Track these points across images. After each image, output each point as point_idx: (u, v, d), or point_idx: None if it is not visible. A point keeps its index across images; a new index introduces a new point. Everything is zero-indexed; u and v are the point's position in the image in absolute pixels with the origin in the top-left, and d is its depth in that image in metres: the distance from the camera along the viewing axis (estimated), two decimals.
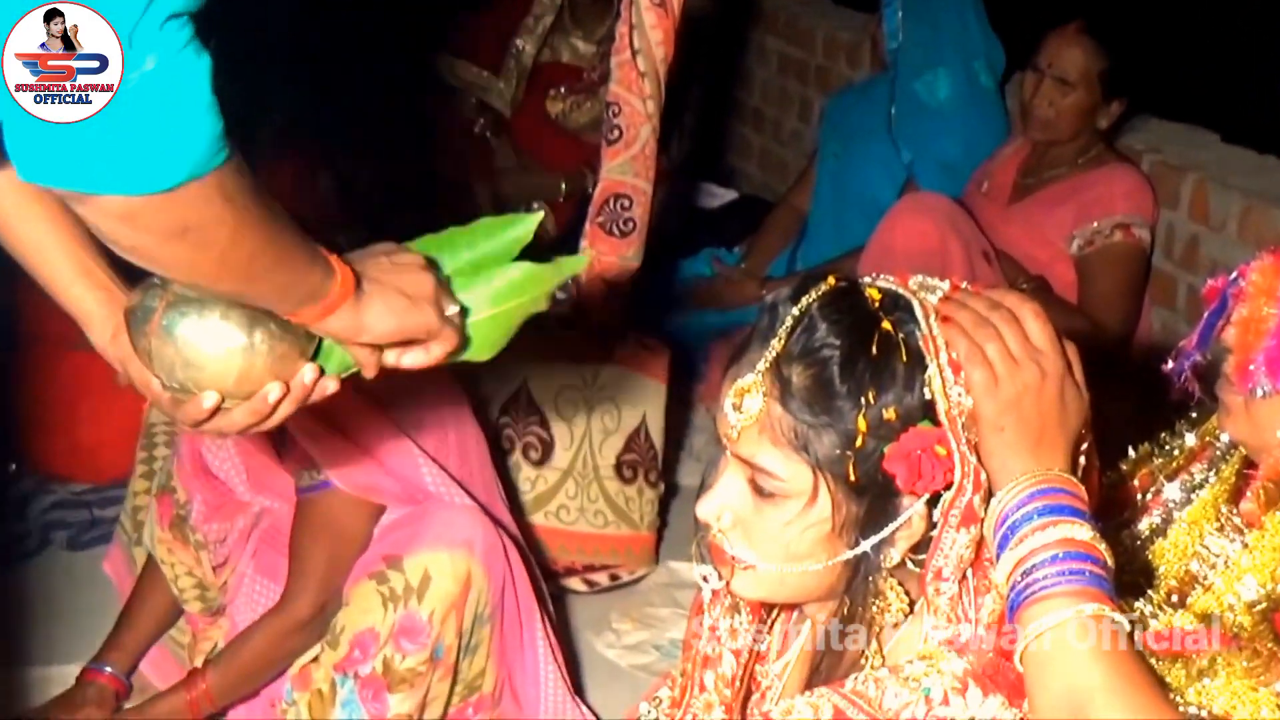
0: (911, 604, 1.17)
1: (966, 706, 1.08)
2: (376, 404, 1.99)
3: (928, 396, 1.11)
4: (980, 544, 1.14)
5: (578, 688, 2.34)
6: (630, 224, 2.72)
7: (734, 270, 3.72)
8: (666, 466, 2.95)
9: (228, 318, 1.16)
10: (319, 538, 2.02)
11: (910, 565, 1.17)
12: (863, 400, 1.10)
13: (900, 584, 1.17)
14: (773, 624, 1.35)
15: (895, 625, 1.18)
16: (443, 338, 1.23)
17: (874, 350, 1.11)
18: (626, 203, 2.71)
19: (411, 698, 1.98)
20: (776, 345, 1.13)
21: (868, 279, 1.19)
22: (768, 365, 1.13)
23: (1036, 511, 1.08)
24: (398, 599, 1.96)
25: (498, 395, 2.76)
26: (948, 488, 1.11)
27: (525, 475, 2.75)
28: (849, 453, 1.11)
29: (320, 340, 1.22)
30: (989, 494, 1.12)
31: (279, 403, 1.20)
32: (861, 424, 1.10)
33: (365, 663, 1.96)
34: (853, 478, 1.11)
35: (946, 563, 1.12)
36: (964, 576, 1.14)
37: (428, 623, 1.96)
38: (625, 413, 2.78)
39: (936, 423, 1.11)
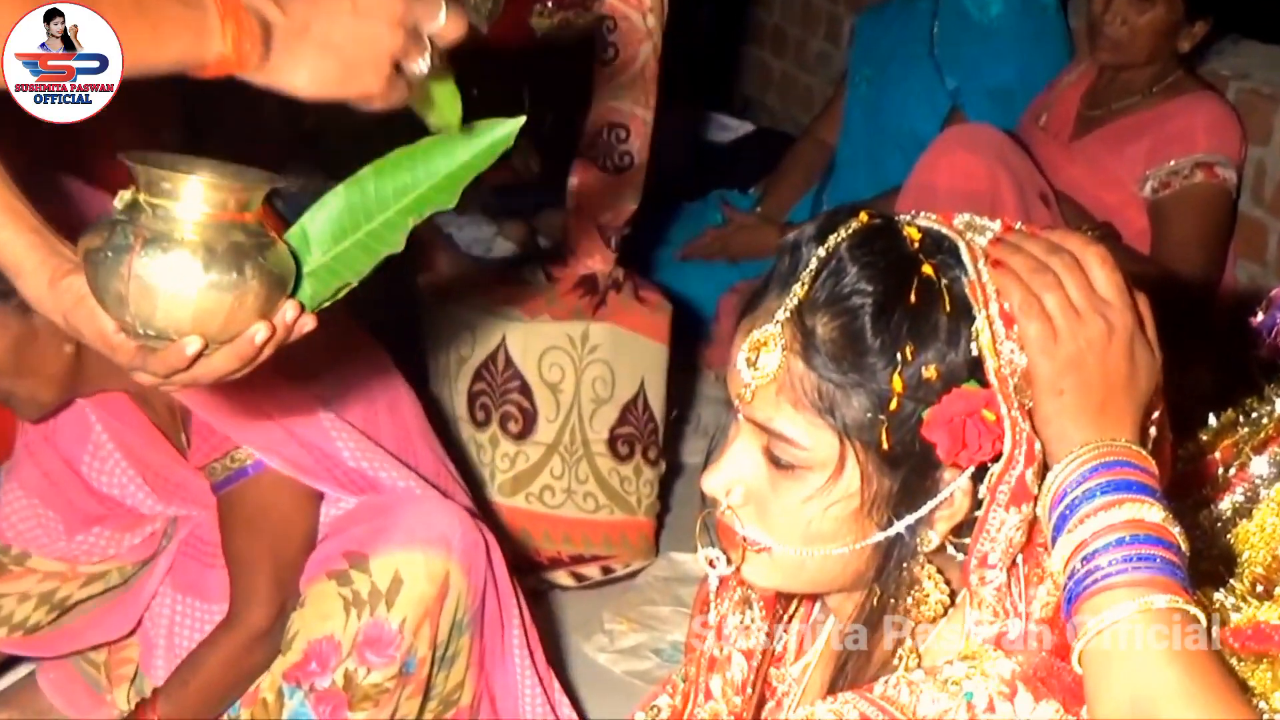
0: (952, 595, 1.17)
1: (1015, 713, 1.07)
2: (284, 373, 1.97)
3: (974, 353, 1.11)
4: (1033, 526, 1.13)
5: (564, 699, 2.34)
6: (627, 159, 2.72)
7: (748, 216, 3.72)
8: (668, 442, 2.96)
9: (214, 252, 1.18)
10: (255, 534, 2.01)
11: (951, 550, 1.16)
12: (898, 356, 1.10)
13: (939, 571, 1.17)
14: (790, 620, 1.35)
15: (933, 620, 1.17)
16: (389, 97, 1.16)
17: (912, 298, 1.10)
18: (622, 134, 2.71)
19: (376, 717, 1.98)
20: (799, 291, 1.12)
21: (906, 217, 1.18)
22: (788, 314, 1.12)
23: (1099, 488, 1.08)
24: (363, 604, 1.96)
25: (471, 357, 2.76)
26: (996, 459, 1.11)
27: (503, 451, 2.76)
28: (882, 417, 1.10)
29: (300, 271, 1.25)
30: (1044, 467, 1.12)
31: (265, 345, 1.23)
32: (897, 383, 1.10)
33: (323, 675, 1.96)
34: (886, 446, 1.11)
35: (993, 547, 1.12)
36: (1014, 563, 1.14)
37: (398, 633, 1.96)
38: (620, 379, 2.79)
39: (984, 384, 1.10)
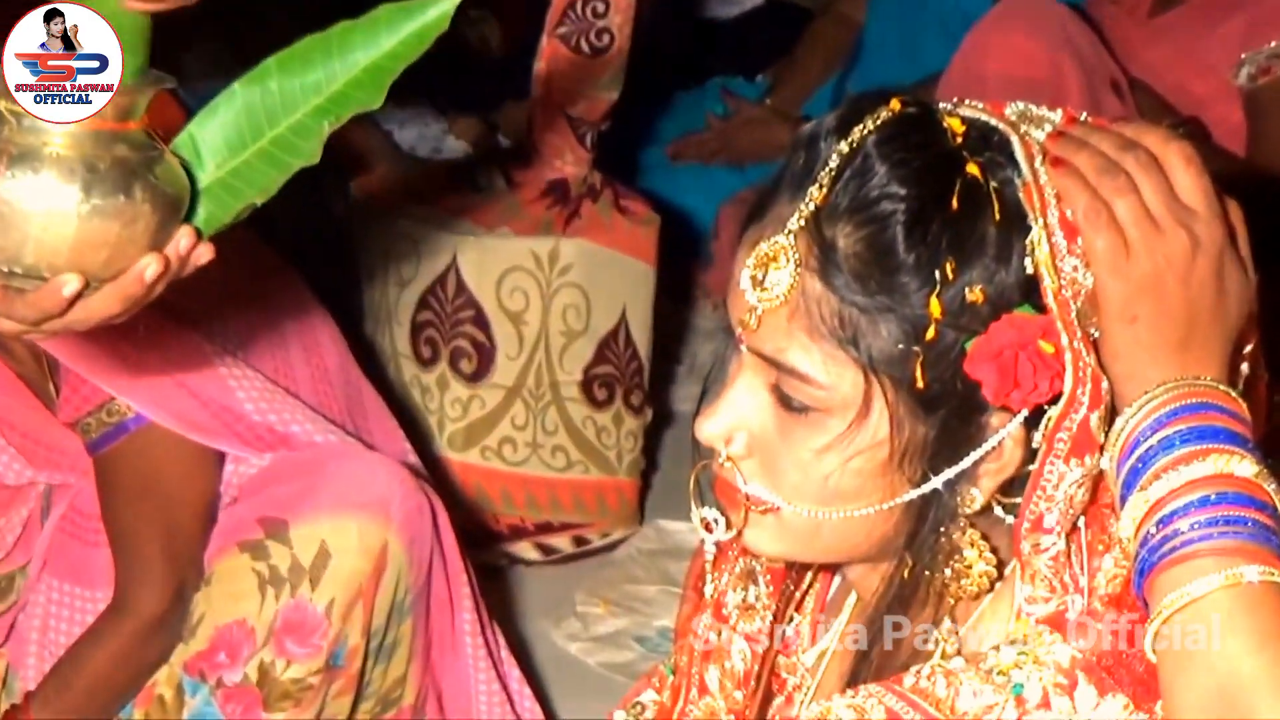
0: (1000, 567, 1.18)
1: (1075, 710, 1.08)
2: (171, 312, 1.95)
3: (1029, 270, 1.11)
4: (1099, 482, 1.14)
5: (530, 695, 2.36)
6: (606, 37, 2.71)
7: (756, 107, 3.71)
8: (655, 385, 2.97)
9: (95, 171, 1.17)
10: (140, 502, 2.01)
11: (999, 512, 1.17)
12: (936, 274, 1.10)
13: (984, 538, 1.17)
14: (804, 597, 1.35)
15: (976, 597, 1.18)
16: None
17: (954, 203, 1.10)
18: (600, 6, 2.70)
19: (296, 718, 1.99)
20: (816, 194, 1.12)
21: (947, 106, 1.19)
22: (803, 222, 1.12)
23: (1179, 436, 1.09)
24: (281, 582, 1.97)
25: (415, 280, 2.76)
26: (1054, 400, 1.11)
27: (454, 395, 2.77)
28: (916, 348, 1.11)
29: (195, 190, 1.25)
30: (1112, 411, 1.12)
31: (155, 281, 1.23)
32: (934, 307, 1.10)
33: (233, 668, 1.97)
34: (920, 384, 1.11)
35: (1050, 507, 1.13)
36: (1074, 528, 1.15)
37: (324, 617, 1.96)
38: (597, 307, 2.79)
39: (1041, 309, 1.11)
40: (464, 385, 2.76)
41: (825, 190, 1.12)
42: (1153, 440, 1.09)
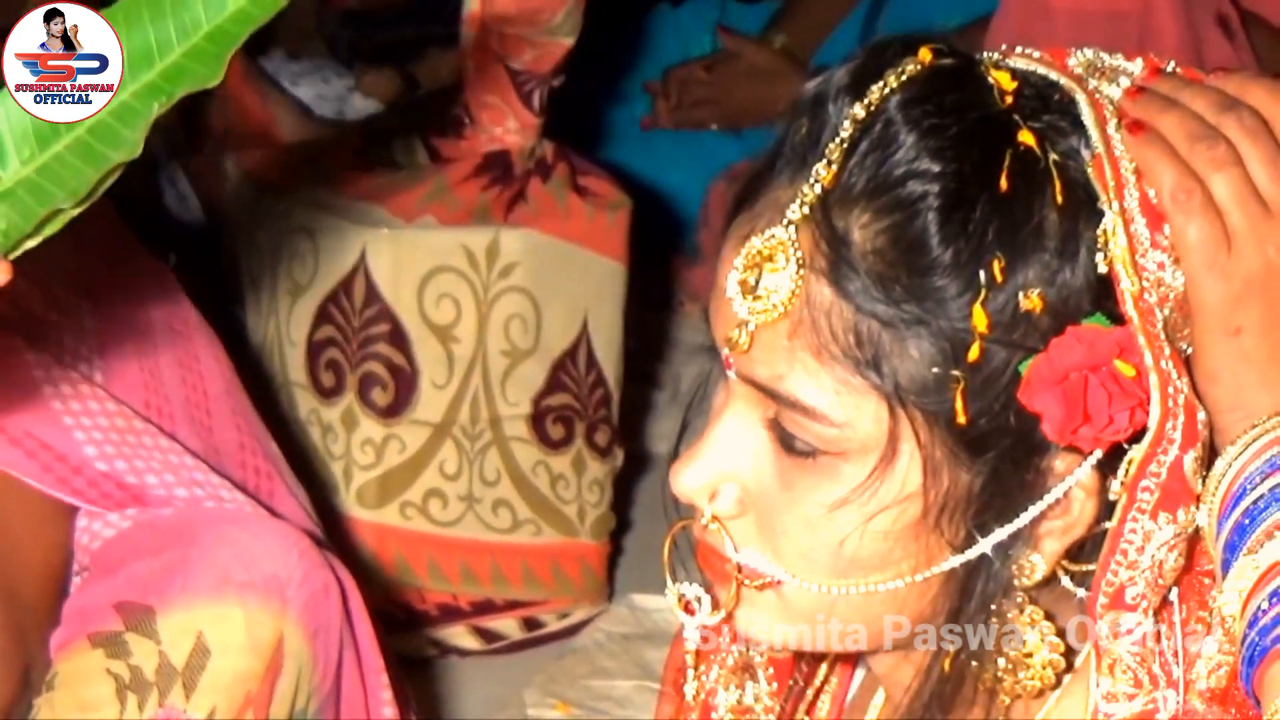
0: (1069, 655, 1.19)
1: None
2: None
3: (1101, 269, 1.12)
4: (1195, 544, 1.15)
5: None
6: None
7: (756, 46, 3.71)
8: (627, 419, 2.97)
9: None
10: None
11: (1067, 583, 1.18)
12: (981, 275, 1.10)
13: (1048, 617, 1.18)
14: (816, 697, 1.36)
15: (1039, 694, 1.19)
16: None
17: (1003, 183, 1.11)
18: None
19: None
20: (824, 173, 1.13)
21: (993, 55, 1.19)
22: (807, 210, 1.13)
23: None
24: (146, 688, 1.96)
25: (312, 286, 2.76)
26: (1136, 438, 1.12)
27: (364, 436, 2.77)
28: (956, 372, 1.11)
29: None
30: (1209, 449, 1.13)
31: None
32: (979, 319, 1.10)
33: None
34: (962, 419, 1.12)
35: (1134, 578, 1.13)
36: (1165, 602, 1.16)
37: None
38: (550, 318, 2.80)
39: (1118, 319, 1.11)
40: (377, 422, 2.76)
41: (836, 168, 1.13)
42: (1263, 488, 1.10)
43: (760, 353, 1.15)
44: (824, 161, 1.13)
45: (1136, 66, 1.19)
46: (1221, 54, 2.91)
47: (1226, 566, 1.11)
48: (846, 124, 1.13)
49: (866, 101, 1.13)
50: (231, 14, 1.24)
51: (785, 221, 1.13)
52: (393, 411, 2.77)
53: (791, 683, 1.34)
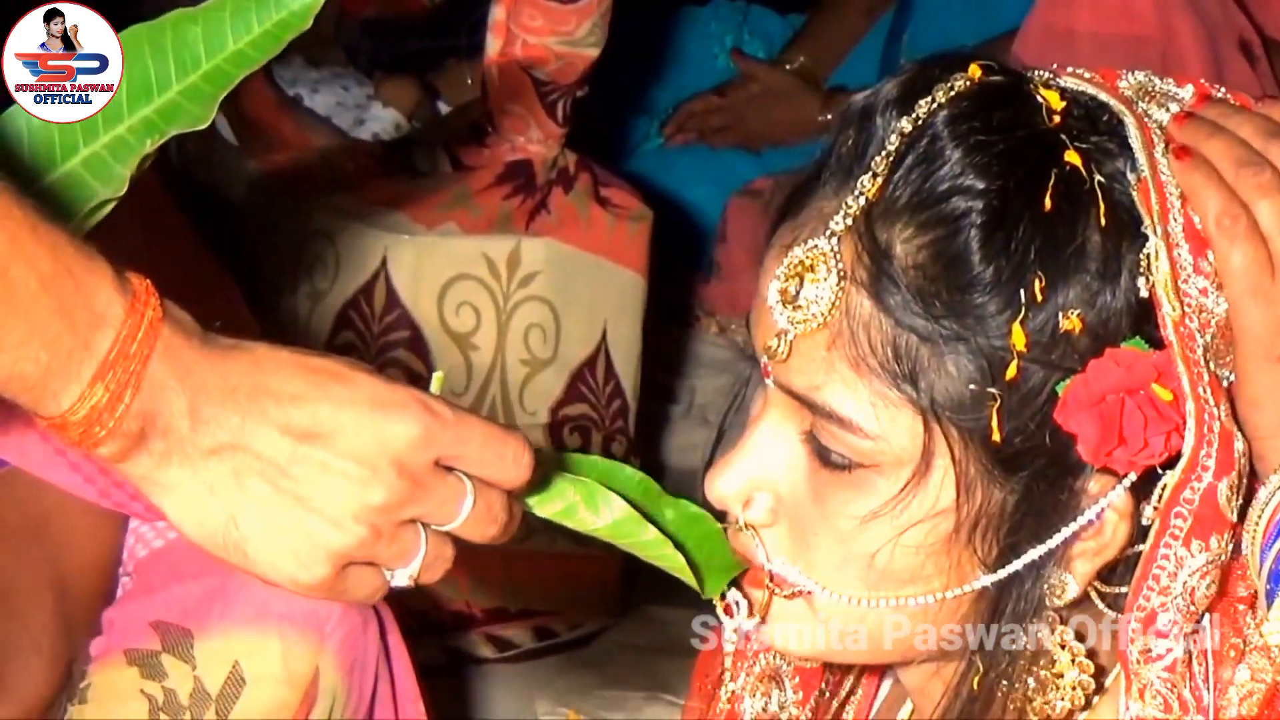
0: (1099, 676, 1.19)
1: None
2: None
3: (1142, 293, 1.12)
4: (1230, 571, 1.15)
5: None
6: None
7: (769, 68, 3.71)
8: (644, 430, 2.96)
9: None
10: (24, 546, 2.01)
11: (1099, 604, 1.18)
12: (1022, 294, 1.10)
13: (1079, 638, 1.18)
14: (843, 708, 1.36)
15: (1068, 714, 1.18)
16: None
17: (1047, 202, 1.11)
18: None
19: None
20: (868, 185, 1.13)
21: (1043, 74, 1.20)
22: (850, 221, 1.13)
23: None
24: (179, 710, 1.95)
25: (332, 292, 2.76)
26: (1172, 462, 1.12)
27: None
28: (993, 390, 1.11)
29: None
30: (1247, 477, 1.13)
31: None
32: (1018, 337, 1.11)
33: None
34: (998, 437, 1.12)
35: (1166, 603, 1.13)
36: (1197, 629, 1.15)
37: None
38: (570, 328, 2.80)
39: (1157, 343, 1.12)
40: None
41: (881, 181, 1.13)
42: None
43: (798, 362, 1.15)
44: (869, 174, 1.13)
45: (1187, 92, 1.19)
46: (1243, 80, 2.90)
47: (1271, 597, 1.10)
48: (893, 138, 1.14)
49: (914, 116, 1.14)
50: (230, 55, 1.24)
51: (828, 232, 1.13)
52: None
53: (818, 693, 1.34)
